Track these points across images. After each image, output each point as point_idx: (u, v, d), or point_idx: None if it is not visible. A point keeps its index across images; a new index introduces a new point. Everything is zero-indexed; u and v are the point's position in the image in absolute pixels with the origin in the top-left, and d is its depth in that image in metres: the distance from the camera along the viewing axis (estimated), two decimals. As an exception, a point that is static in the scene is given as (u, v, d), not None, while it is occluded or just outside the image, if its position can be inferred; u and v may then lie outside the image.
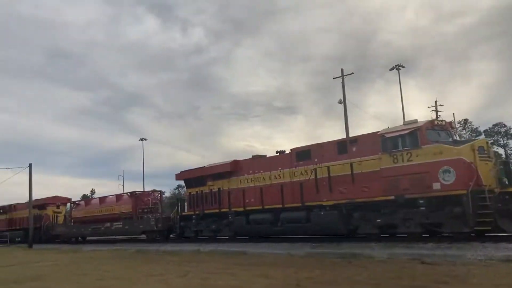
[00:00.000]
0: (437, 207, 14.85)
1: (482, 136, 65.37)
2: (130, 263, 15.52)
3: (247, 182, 21.98)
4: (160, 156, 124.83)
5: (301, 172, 19.47)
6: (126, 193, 31.44)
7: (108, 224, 30.70)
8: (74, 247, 29.67)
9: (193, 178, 25.24)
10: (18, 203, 44.05)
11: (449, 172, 14.46)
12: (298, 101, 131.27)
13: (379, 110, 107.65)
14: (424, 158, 15.12)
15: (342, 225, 17.62)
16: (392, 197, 15.92)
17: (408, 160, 15.57)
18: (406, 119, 18.43)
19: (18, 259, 20.65)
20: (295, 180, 19.65)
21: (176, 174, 26.81)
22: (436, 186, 14.78)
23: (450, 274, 8.82)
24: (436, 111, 55.41)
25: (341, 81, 41.23)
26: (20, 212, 42.25)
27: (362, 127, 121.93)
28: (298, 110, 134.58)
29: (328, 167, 18.11)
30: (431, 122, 15.90)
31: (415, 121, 16.26)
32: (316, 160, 18.93)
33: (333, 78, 41.48)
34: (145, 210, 29.57)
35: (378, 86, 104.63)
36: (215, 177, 23.74)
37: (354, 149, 17.61)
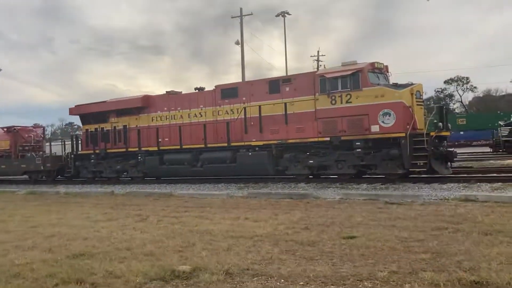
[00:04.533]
0: (374, 149, 15.11)
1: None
2: (45, 207, 13.25)
3: (161, 119, 20.14)
4: (7, 92, 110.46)
5: (227, 111, 18.33)
6: (2, 128, 26.89)
7: (-23, 163, 26.15)
8: None
9: (91, 113, 22.41)
10: None
11: (389, 115, 14.66)
12: (164, 41, 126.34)
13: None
14: (364, 100, 15.07)
15: (271, 166, 17.15)
16: (328, 138, 15.80)
17: (347, 102, 15.41)
18: (278, 70, 18.28)
19: None
20: (219, 119, 18.47)
21: (70, 108, 23.56)
22: (375, 128, 14.92)
23: (442, 214, 8.89)
24: (318, 60, 57.81)
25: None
26: None
27: (229, 73, 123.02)
28: (165, 51, 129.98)
29: (259, 107, 17.28)
30: (372, 64, 15.77)
31: (355, 62, 16.07)
32: (244, 98, 17.90)
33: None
34: (26, 148, 25.80)
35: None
36: (120, 113, 21.36)
37: (287, 88, 16.93)
